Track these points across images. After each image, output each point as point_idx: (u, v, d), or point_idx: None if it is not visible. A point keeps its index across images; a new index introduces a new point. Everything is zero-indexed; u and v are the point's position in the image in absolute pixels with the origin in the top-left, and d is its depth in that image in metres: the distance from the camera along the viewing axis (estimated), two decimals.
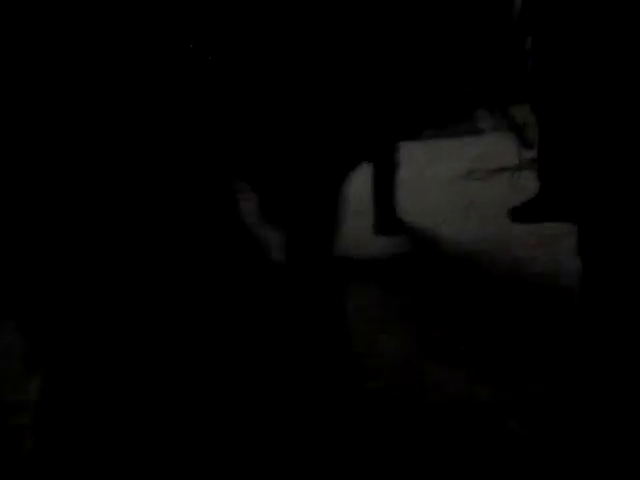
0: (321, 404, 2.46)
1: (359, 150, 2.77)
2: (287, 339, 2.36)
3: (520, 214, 3.97)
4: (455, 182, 4.60)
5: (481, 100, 5.46)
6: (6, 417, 2.59)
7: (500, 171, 4.57)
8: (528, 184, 4.09)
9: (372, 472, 2.31)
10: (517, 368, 2.76)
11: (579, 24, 2.68)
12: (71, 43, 1.96)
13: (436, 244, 3.89)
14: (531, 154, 4.29)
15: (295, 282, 2.64)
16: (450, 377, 2.74)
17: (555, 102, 3.15)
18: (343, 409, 2.55)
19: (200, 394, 2.36)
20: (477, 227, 3.99)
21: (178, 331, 2.10)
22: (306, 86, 2.54)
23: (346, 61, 2.64)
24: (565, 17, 2.73)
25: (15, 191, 1.92)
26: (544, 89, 3.46)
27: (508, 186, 4.37)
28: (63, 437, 2.05)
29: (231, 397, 2.41)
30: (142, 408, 2.20)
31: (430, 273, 3.58)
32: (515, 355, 2.85)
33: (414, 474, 2.30)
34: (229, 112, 2.49)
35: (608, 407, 2.39)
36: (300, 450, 2.27)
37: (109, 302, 2.03)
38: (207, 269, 2.12)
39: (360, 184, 4.00)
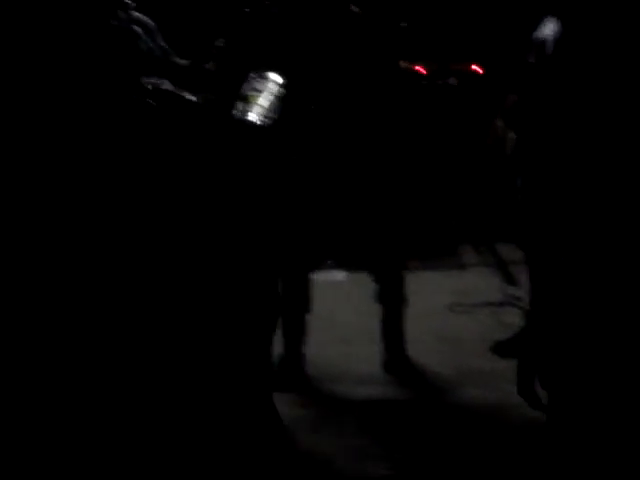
0: None
1: None
2: None
3: (504, 349, 3.97)
4: (438, 315, 4.61)
5: (466, 235, 5.56)
6: None
7: (484, 306, 4.59)
8: (512, 320, 4.11)
9: None
10: None
11: (569, 167, 2.74)
12: None
13: (420, 376, 3.86)
14: (515, 291, 4.33)
15: None
16: None
17: (544, 243, 3.19)
18: None
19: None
20: (461, 360, 3.98)
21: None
22: None
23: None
24: (555, 159, 2.80)
25: None
26: (534, 229, 3.49)
27: (492, 321, 4.38)
28: None
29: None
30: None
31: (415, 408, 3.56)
32: None
33: None
34: None
35: None
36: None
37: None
38: None
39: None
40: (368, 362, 3.90)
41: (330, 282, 3.30)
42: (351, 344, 4.07)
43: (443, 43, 5.68)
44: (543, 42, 2.61)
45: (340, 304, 4.34)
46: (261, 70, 4.03)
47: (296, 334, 3.73)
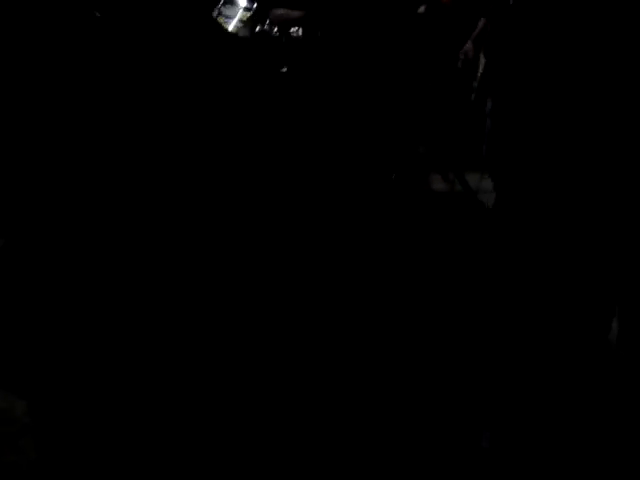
0: None
1: None
2: None
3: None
4: None
5: (435, 164, 5.57)
6: None
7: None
8: None
9: None
10: None
11: (541, 88, 2.75)
12: None
13: None
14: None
15: None
16: None
17: (515, 170, 3.21)
18: None
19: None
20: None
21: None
22: None
23: None
24: (527, 80, 2.80)
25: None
26: (503, 155, 3.52)
27: None
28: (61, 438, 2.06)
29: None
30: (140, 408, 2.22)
31: None
32: None
33: None
34: None
35: None
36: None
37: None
38: None
39: None
40: None
41: None
42: None
43: None
44: None
45: None
46: None
47: None
